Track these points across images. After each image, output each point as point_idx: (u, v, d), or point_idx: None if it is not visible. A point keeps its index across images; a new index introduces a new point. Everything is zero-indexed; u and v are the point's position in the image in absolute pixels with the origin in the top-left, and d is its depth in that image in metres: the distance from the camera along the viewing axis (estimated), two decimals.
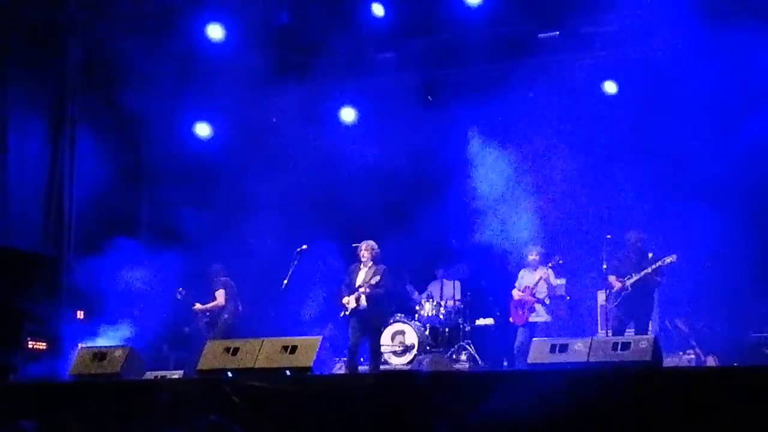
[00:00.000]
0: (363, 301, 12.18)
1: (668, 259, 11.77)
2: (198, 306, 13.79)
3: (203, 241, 15.04)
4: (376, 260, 12.45)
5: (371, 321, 12.26)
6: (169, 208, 15.97)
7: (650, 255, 11.91)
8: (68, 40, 14.95)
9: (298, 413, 9.36)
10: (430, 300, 14.35)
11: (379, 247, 12.56)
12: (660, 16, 13.19)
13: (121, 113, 15.75)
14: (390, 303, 13.11)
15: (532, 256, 13.23)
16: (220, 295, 13.68)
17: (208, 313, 13.70)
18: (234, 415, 9.45)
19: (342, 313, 12.34)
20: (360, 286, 12.23)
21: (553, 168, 14.15)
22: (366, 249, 12.45)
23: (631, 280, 11.83)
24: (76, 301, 14.43)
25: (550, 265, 13.09)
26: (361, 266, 12.44)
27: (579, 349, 9.99)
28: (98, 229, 15.32)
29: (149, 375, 12.06)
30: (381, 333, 12.50)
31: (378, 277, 12.22)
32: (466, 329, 14.18)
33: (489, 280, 14.40)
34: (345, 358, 12.94)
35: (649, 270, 11.79)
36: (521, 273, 13.35)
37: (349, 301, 12.23)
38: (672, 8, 12.96)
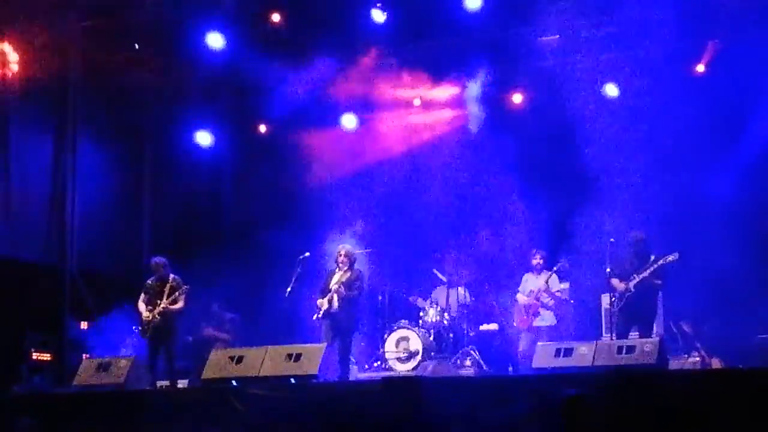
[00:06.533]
0: (335, 303, 11.99)
1: (670, 258, 11.64)
2: (163, 307, 12.14)
3: (204, 248, 15.04)
4: (352, 265, 12.32)
5: (343, 323, 12.02)
6: (172, 217, 16.02)
7: (652, 257, 11.85)
8: (71, 50, 14.96)
9: (304, 421, 9.35)
10: (435, 306, 14.32)
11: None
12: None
13: (123, 123, 15.80)
14: (362, 307, 12.69)
15: (536, 260, 13.23)
16: (183, 299, 12.29)
17: (158, 317, 12.18)
18: (239, 424, 9.47)
19: (315, 316, 12.11)
20: (333, 289, 12.05)
21: (554, 171, 14.14)
22: (344, 253, 12.28)
23: (634, 282, 11.77)
24: (80, 312, 14.43)
25: (555, 269, 13.10)
26: (337, 270, 12.29)
27: (584, 353, 10.00)
28: (101, 239, 15.34)
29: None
30: (352, 336, 12.21)
31: (353, 280, 12.07)
32: (471, 335, 14.15)
33: (493, 285, 14.37)
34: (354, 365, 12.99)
35: (651, 270, 11.73)
36: (525, 277, 13.35)
37: (323, 303, 12.06)
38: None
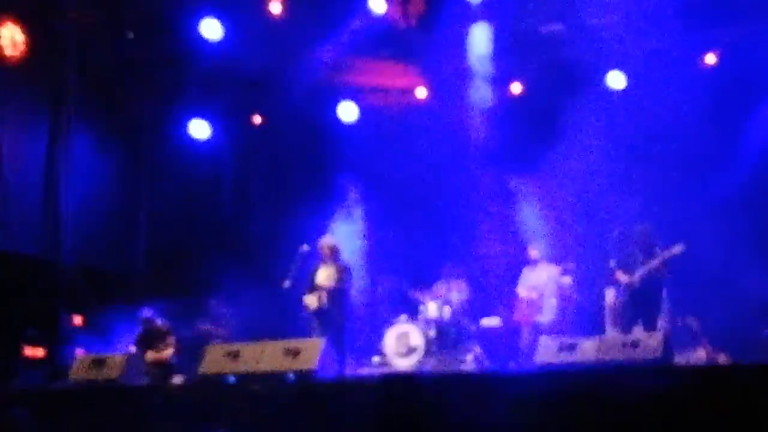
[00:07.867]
0: (324, 300, 11.86)
1: (675, 249, 11.54)
2: (156, 354, 12.54)
3: (202, 241, 14.95)
4: (337, 257, 12.18)
5: (335, 318, 11.88)
6: (166, 211, 15.92)
7: (657, 250, 11.73)
8: (66, 42, 14.83)
9: (302, 417, 9.26)
10: (435, 300, 14.22)
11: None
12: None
13: (118, 116, 15.70)
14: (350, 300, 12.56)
15: (533, 254, 13.13)
16: (173, 347, 12.65)
17: (152, 368, 12.41)
18: (236, 420, 9.37)
19: (304, 313, 12.04)
20: (321, 285, 11.94)
21: (558, 164, 14.04)
22: (326, 247, 12.15)
23: (639, 275, 11.67)
24: (74, 307, 14.31)
25: (560, 267, 13.01)
26: (322, 264, 12.15)
27: (588, 348, 9.86)
28: (97, 233, 15.24)
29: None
30: (344, 329, 12.05)
31: (341, 272, 11.94)
32: (472, 329, 14.07)
33: (495, 278, 14.29)
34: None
35: (657, 262, 11.61)
36: (524, 271, 13.28)
37: (311, 301, 11.92)
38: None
